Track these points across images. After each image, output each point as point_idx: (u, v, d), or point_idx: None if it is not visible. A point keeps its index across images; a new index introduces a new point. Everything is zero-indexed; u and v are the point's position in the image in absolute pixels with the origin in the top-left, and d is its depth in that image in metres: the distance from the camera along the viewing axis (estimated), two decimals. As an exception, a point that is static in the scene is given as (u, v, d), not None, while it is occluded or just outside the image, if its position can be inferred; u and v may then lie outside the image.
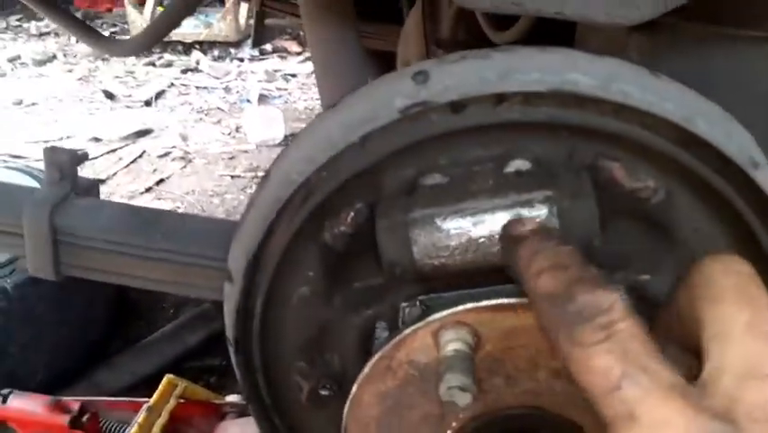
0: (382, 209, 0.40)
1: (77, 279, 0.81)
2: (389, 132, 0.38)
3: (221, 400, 1.34)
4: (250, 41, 3.57)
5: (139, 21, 4.48)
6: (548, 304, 0.31)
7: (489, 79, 0.38)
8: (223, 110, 3.83)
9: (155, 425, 1.20)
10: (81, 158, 0.87)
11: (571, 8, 0.45)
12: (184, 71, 4.43)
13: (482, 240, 0.38)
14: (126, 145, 3.35)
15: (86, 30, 1.62)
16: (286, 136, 3.32)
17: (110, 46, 1.70)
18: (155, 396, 1.25)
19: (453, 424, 0.38)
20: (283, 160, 0.44)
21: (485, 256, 0.38)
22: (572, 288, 0.31)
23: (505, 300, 0.35)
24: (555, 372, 0.36)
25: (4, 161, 2.86)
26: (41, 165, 1.04)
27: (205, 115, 3.78)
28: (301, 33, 4.50)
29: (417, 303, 0.40)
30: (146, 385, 1.61)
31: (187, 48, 4.72)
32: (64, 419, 1.23)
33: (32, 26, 5.23)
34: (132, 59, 4.49)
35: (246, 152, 3.29)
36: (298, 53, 4.62)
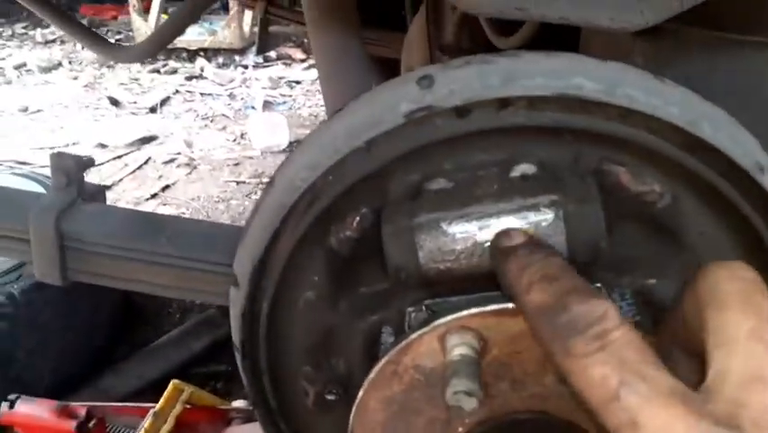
0: (387, 214, 0.40)
1: (84, 284, 0.81)
2: (395, 136, 0.39)
3: (227, 406, 1.34)
4: (254, 49, 3.58)
5: (144, 28, 4.50)
6: (541, 317, 0.31)
7: (494, 84, 0.38)
8: (227, 117, 3.84)
9: (161, 430, 1.20)
10: (87, 163, 0.88)
11: (576, 14, 0.45)
12: (188, 78, 4.45)
13: (488, 244, 0.38)
14: (132, 152, 3.36)
15: (91, 36, 1.63)
16: (290, 142, 3.32)
17: (115, 52, 1.71)
18: (161, 401, 1.25)
19: (460, 429, 0.38)
20: (289, 165, 0.44)
21: (491, 260, 0.38)
22: (564, 299, 0.31)
23: (511, 305, 0.35)
24: (561, 376, 0.36)
25: (11, 166, 2.87)
26: (47, 171, 1.04)
27: (210, 121, 3.79)
28: (305, 41, 4.52)
29: (423, 308, 0.40)
30: (152, 390, 1.61)
31: (192, 55, 4.74)
32: (71, 425, 1.24)
33: (38, 34, 5.26)
34: (136, 67, 4.51)
35: (251, 158, 3.30)
36: (303, 60, 4.64)
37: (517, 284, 0.33)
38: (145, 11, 4.58)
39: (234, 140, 3.53)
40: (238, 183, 3.04)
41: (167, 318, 2.10)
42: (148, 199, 2.90)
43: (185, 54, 4.74)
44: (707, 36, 0.53)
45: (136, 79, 4.43)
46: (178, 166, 3.23)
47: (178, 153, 3.35)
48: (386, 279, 0.41)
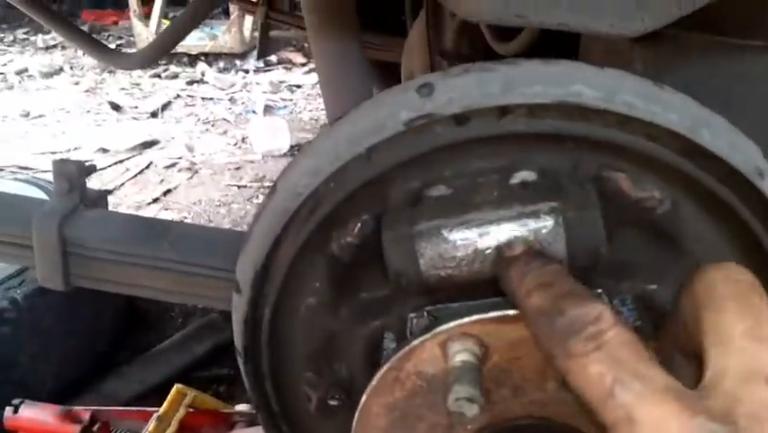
0: (388, 221, 0.40)
1: (86, 289, 0.82)
2: (395, 144, 0.39)
3: (230, 409, 1.35)
4: (254, 53, 3.59)
5: (144, 33, 4.52)
6: (540, 321, 0.32)
7: (493, 92, 0.38)
8: (228, 121, 3.85)
9: (165, 434, 1.21)
10: (89, 170, 0.88)
11: (575, 20, 0.45)
12: (189, 83, 4.46)
13: (489, 251, 0.38)
14: (133, 156, 3.37)
15: (93, 44, 1.64)
16: (291, 146, 3.33)
17: (117, 59, 1.72)
18: (165, 405, 1.25)
19: (462, 434, 0.38)
20: (290, 171, 0.44)
21: (491, 267, 0.38)
22: (560, 303, 0.32)
23: (511, 312, 0.35)
24: (562, 381, 0.36)
25: (13, 172, 2.88)
26: (49, 176, 1.04)
27: (211, 125, 3.80)
28: (306, 45, 4.53)
29: (425, 314, 0.40)
30: (155, 395, 1.61)
31: (193, 60, 4.75)
32: (75, 429, 1.24)
33: (39, 39, 5.28)
34: (138, 72, 4.52)
35: (252, 162, 3.30)
36: (303, 64, 4.65)
37: (518, 291, 0.35)
38: (146, 16, 4.60)
39: (235, 144, 3.53)
40: (239, 187, 3.05)
41: (169, 323, 2.10)
42: (149, 204, 2.91)
43: (186, 59, 4.75)
44: (707, 41, 0.53)
45: (137, 84, 4.44)
46: (180, 170, 3.23)
47: (180, 158, 3.35)
48: (387, 285, 0.42)
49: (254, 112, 3.94)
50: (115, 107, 4.03)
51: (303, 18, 1.15)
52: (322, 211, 0.41)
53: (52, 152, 3.35)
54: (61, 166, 0.84)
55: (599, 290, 0.39)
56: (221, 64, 4.74)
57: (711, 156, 0.37)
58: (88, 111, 4.03)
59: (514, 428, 0.38)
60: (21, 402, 1.30)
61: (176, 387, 1.30)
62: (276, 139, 3.38)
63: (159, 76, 4.55)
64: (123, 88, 4.38)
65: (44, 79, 4.58)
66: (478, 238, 0.38)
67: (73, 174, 0.84)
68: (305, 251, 0.42)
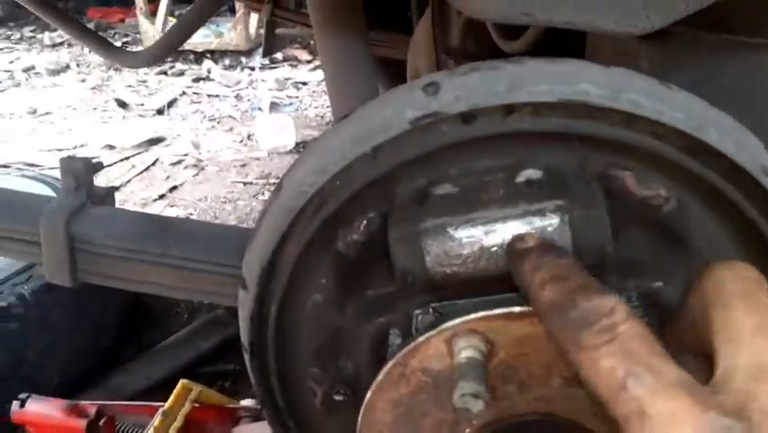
0: (394, 219, 0.41)
1: (93, 286, 0.82)
2: (401, 142, 0.39)
3: (235, 405, 1.35)
4: (260, 50, 3.60)
5: (151, 31, 4.53)
6: (552, 314, 0.32)
7: (499, 91, 0.38)
8: (234, 118, 3.86)
9: (171, 428, 1.21)
10: (96, 167, 0.89)
11: (581, 18, 0.45)
12: (195, 80, 4.47)
13: (494, 248, 0.38)
14: (139, 153, 3.38)
15: (99, 42, 1.64)
16: (297, 143, 3.33)
17: (123, 57, 1.73)
18: (170, 400, 1.26)
19: (467, 431, 0.39)
20: (296, 170, 0.45)
21: (497, 264, 0.38)
22: (572, 296, 0.32)
23: (517, 309, 0.36)
24: (568, 378, 0.37)
25: (20, 169, 2.90)
26: (56, 173, 1.05)
27: (217, 123, 3.81)
28: (311, 42, 4.53)
29: (430, 310, 0.41)
30: (161, 390, 1.62)
31: (199, 57, 4.76)
32: (81, 423, 1.25)
33: (46, 37, 5.30)
34: (144, 69, 4.53)
35: (258, 159, 3.30)
36: (309, 62, 4.65)
37: (531, 284, 0.34)
38: (152, 14, 4.60)
39: (241, 141, 3.54)
40: (245, 184, 3.05)
41: (175, 319, 2.11)
42: (155, 200, 2.92)
43: (192, 56, 4.76)
44: (714, 39, 0.53)
45: (143, 82, 4.45)
46: (186, 167, 3.24)
47: (186, 155, 3.36)
48: (393, 282, 0.42)
49: (260, 109, 3.94)
50: (122, 104, 4.05)
51: (309, 15, 1.15)
52: (328, 209, 0.41)
53: (59, 149, 3.37)
54: (69, 163, 0.85)
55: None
56: (227, 61, 4.75)
57: (717, 154, 0.37)
58: (95, 108, 4.05)
59: (519, 424, 0.38)
60: (27, 397, 1.30)
61: (181, 382, 1.30)
62: (281, 136, 3.38)
63: (165, 73, 4.56)
64: (129, 86, 4.39)
65: (51, 77, 4.59)
66: (483, 236, 0.38)
67: (80, 171, 0.84)
68: (311, 248, 0.42)
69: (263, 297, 0.44)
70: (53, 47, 5.20)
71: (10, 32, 5.53)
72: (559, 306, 0.32)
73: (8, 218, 0.82)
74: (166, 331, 2.01)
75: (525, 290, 0.35)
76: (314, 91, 4.21)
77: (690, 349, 0.33)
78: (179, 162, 3.29)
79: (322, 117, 3.78)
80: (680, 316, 0.34)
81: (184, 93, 4.25)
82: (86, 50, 4.86)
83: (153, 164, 3.27)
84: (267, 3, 2.14)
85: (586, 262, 0.37)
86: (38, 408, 1.29)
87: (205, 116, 3.90)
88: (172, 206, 2.89)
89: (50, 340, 1.66)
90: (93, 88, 4.36)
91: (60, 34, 5.19)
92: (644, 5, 0.43)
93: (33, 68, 4.72)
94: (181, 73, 4.59)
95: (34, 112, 3.95)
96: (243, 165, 3.25)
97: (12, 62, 4.87)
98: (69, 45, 5.12)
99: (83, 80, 4.53)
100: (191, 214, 2.80)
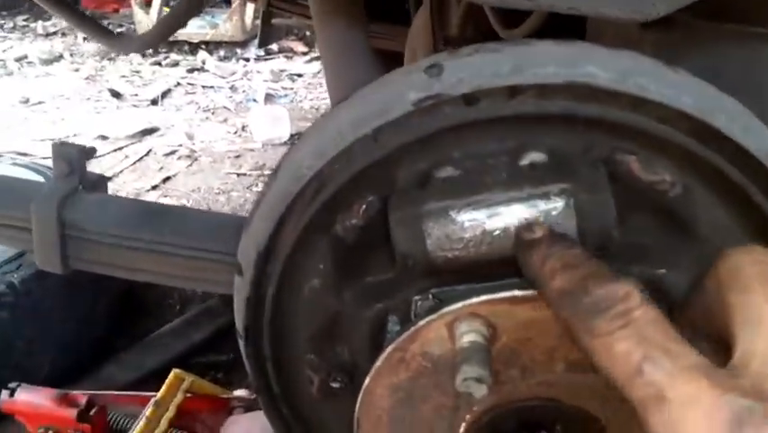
0: (395, 202, 0.40)
1: (84, 275, 0.81)
2: (403, 125, 0.38)
3: (228, 395, 1.35)
4: (256, 42, 3.58)
5: (145, 21, 4.49)
6: (565, 301, 0.32)
7: (503, 72, 0.37)
8: (229, 109, 3.84)
9: (163, 418, 1.21)
10: (89, 152, 0.88)
11: (586, 4, 0.44)
12: (190, 71, 4.44)
13: (497, 232, 0.38)
14: (133, 143, 3.36)
15: (93, 27, 1.63)
16: (291, 135, 3.32)
17: (117, 43, 1.71)
18: (162, 390, 1.25)
19: (468, 416, 0.38)
20: (295, 153, 0.44)
21: (500, 248, 0.38)
22: (585, 283, 0.32)
23: (520, 292, 0.35)
24: (571, 363, 0.36)
25: (12, 158, 2.87)
26: (48, 163, 1.04)
27: (212, 113, 3.79)
28: (307, 33, 4.51)
29: (430, 296, 0.40)
30: (153, 380, 1.61)
31: (194, 48, 4.72)
32: (71, 413, 1.24)
33: (39, 26, 5.25)
34: (138, 59, 4.50)
35: (252, 150, 3.29)
36: (304, 53, 4.63)
37: (541, 273, 0.34)
38: (147, 4, 4.56)
39: (236, 132, 3.52)
40: (239, 175, 3.04)
41: (167, 309, 2.10)
42: (148, 191, 2.90)
43: (186, 47, 4.73)
44: (718, 28, 0.52)
45: (137, 72, 4.42)
46: (179, 158, 3.22)
47: (180, 145, 3.34)
48: (392, 268, 0.41)
49: (255, 100, 3.92)
50: (115, 95, 4.02)
51: (305, 6, 1.14)
52: (326, 192, 0.40)
53: (51, 139, 3.33)
54: (61, 149, 0.84)
55: None
56: (222, 52, 4.72)
57: (724, 139, 0.37)
58: (88, 98, 4.01)
59: (521, 408, 0.38)
60: (17, 386, 1.29)
61: (174, 372, 1.30)
62: (276, 128, 3.37)
63: (159, 63, 4.53)
64: (123, 76, 4.36)
65: (44, 66, 4.55)
66: (486, 219, 0.38)
67: (73, 157, 0.83)
68: (309, 232, 0.42)
69: (260, 280, 0.43)
70: (46, 36, 5.15)
71: (3, 21, 5.47)
72: (571, 293, 0.32)
73: (-1, 203, 0.81)
74: (159, 321, 2.00)
75: (535, 280, 0.35)
76: (309, 83, 4.19)
77: (704, 334, 0.33)
78: (173, 153, 3.27)
79: (317, 109, 3.76)
80: (692, 301, 0.34)
81: (178, 84, 4.22)
82: (80, 39, 4.83)
83: (147, 155, 3.25)
84: (263, -8, 2.13)
85: (590, 246, 0.37)
86: (28, 397, 1.28)
87: (199, 107, 3.87)
88: (165, 196, 2.87)
89: (40, 329, 1.65)
90: (86, 78, 4.32)
91: (54, 23, 5.15)
92: (648, -8, 0.43)
93: (26, 57, 4.68)
94: (176, 64, 4.55)
95: (27, 101, 3.91)
96: (237, 156, 3.23)
97: (4, 51, 4.82)
98: (63, 35, 5.07)
99: (76, 70, 4.49)
100: (184, 205, 2.78)
